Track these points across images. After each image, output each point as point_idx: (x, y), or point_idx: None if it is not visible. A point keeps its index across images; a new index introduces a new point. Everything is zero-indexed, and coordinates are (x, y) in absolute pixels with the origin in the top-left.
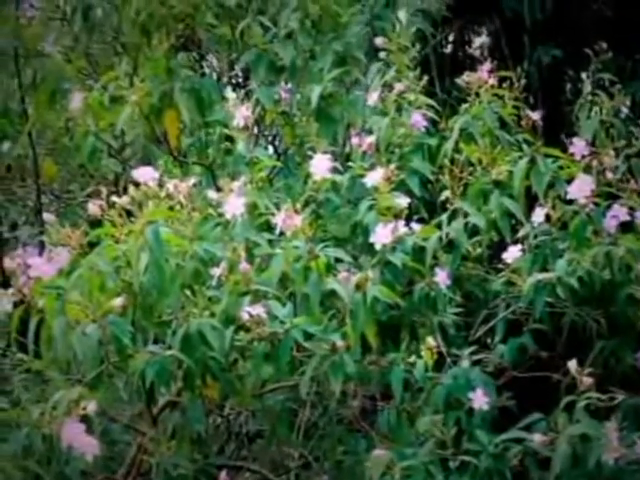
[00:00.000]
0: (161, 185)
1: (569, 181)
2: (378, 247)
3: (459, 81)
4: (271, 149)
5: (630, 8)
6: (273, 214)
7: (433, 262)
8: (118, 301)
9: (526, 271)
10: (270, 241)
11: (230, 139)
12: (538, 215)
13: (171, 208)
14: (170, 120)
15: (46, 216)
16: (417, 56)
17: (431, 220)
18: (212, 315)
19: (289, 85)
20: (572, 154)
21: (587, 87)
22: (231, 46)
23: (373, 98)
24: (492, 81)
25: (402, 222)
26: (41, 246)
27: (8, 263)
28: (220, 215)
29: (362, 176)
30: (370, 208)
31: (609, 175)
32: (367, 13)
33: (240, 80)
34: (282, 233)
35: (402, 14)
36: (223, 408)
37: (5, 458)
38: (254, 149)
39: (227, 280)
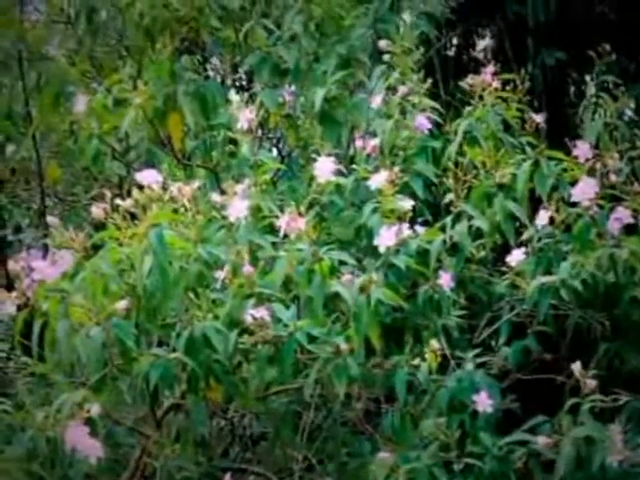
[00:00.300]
0: (165, 188)
1: (573, 184)
2: (382, 250)
3: (463, 84)
4: (275, 152)
5: (633, 10)
6: (277, 217)
7: (437, 265)
8: (122, 304)
9: (530, 274)
10: (274, 244)
11: (234, 142)
12: (542, 218)
13: (175, 211)
14: (174, 123)
15: (50, 219)
16: (421, 59)
17: (435, 223)
18: (216, 318)
19: (293, 88)
20: (576, 157)
21: (591, 90)
22: (235, 49)
23: (377, 101)
24: (496, 84)
25: (406, 225)
26: (45, 249)
27: (12, 266)
28: (224, 218)
29: (366, 179)
30: (374, 211)
31: (613, 178)
32: (371, 16)
33: (244, 83)
34: (286, 236)
35: (406, 17)
36: (227, 411)
37: (9, 461)
38: (258, 152)
39: (231, 283)
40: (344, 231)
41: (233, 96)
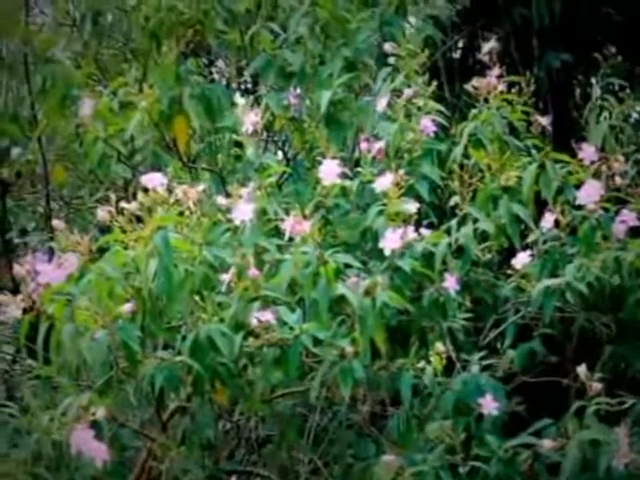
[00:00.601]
0: (170, 191)
1: (578, 186)
2: (387, 252)
3: (468, 86)
4: (280, 155)
5: (639, 12)
6: (282, 220)
7: (442, 267)
8: (127, 307)
9: (535, 276)
10: (279, 247)
11: (239, 145)
12: (547, 220)
13: (180, 214)
14: (179, 126)
15: (55, 222)
16: (426, 61)
17: (440, 226)
18: (221, 321)
19: (298, 91)
20: (581, 159)
21: (596, 92)
22: (240, 52)
23: (382, 104)
24: (501, 86)
25: (411, 227)
26: (50, 252)
27: (17, 269)
28: (229, 221)
29: (371, 181)
30: (379, 213)
31: (618, 180)
32: (377, 19)
33: (249, 86)
34: (291, 239)
35: (412, 20)
36: (232, 413)
37: (15, 464)
38: (263, 155)
39: (236, 286)
40: (349, 234)
41: (238, 99)
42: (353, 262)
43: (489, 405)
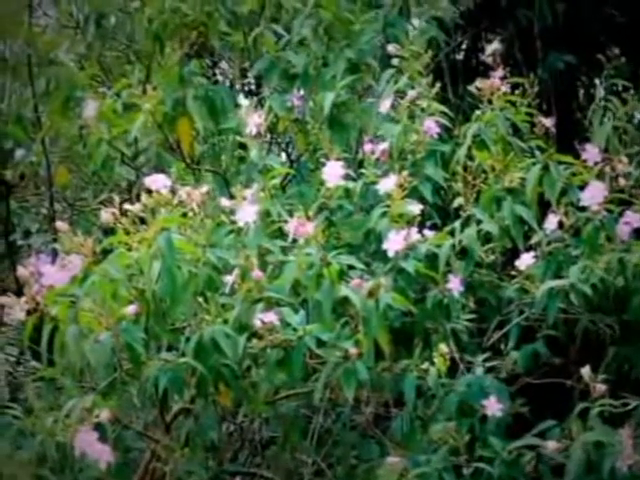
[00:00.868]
0: (174, 192)
1: (582, 187)
2: (391, 254)
3: (472, 88)
4: (284, 156)
5: None
6: (286, 221)
7: (446, 269)
8: (131, 309)
9: (539, 278)
10: (283, 248)
11: (243, 146)
12: (551, 222)
13: (184, 215)
14: (183, 127)
15: (59, 224)
16: (430, 63)
17: (444, 227)
18: (225, 322)
19: (302, 92)
20: (585, 160)
21: (600, 93)
22: (244, 53)
23: (386, 105)
24: (505, 88)
25: (415, 229)
26: (54, 254)
27: (21, 271)
28: (233, 222)
29: (375, 183)
30: (383, 215)
31: (622, 181)
32: (380, 20)
33: (253, 87)
34: (295, 240)
35: (415, 22)
36: (236, 415)
37: (19, 466)
38: (267, 156)
39: (240, 287)
40: (353, 235)
41: (242, 101)
42: (356, 263)
43: (493, 406)
